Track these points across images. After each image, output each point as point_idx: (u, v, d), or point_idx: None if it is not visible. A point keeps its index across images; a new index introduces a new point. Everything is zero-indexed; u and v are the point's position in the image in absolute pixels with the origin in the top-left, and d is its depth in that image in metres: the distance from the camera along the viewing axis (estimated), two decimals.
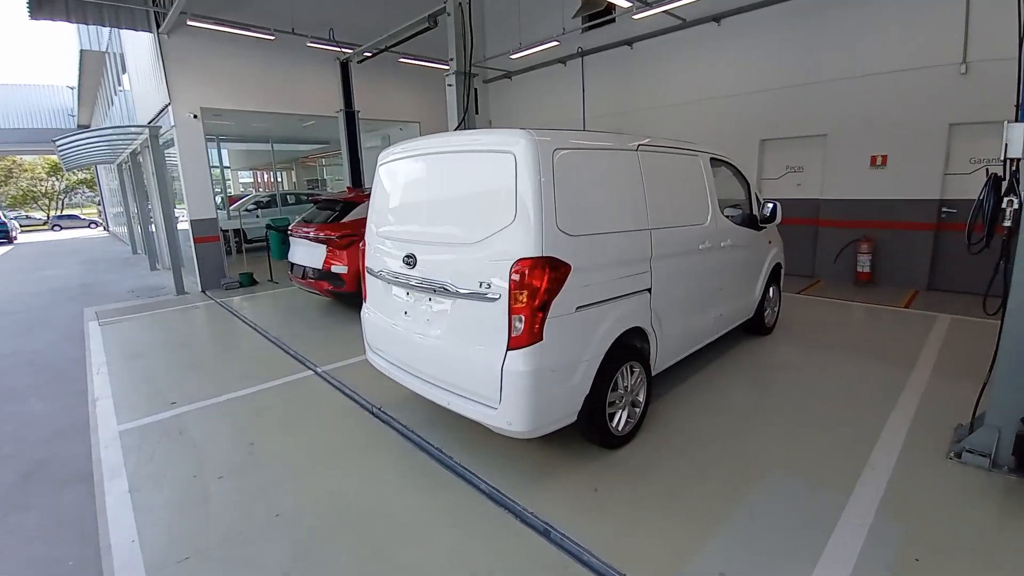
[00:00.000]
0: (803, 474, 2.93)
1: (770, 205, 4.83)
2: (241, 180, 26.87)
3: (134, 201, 12.93)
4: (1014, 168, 2.79)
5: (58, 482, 3.20)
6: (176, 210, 9.09)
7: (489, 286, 2.57)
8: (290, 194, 14.86)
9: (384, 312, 3.44)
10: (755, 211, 4.77)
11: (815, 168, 8.33)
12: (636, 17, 8.14)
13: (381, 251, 3.41)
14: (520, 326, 2.49)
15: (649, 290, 3.23)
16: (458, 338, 2.77)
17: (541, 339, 2.52)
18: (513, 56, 10.21)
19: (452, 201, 2.83)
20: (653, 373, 3.44)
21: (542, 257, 2.47)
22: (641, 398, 3.32)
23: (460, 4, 5.64)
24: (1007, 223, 2.79)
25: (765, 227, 4.90)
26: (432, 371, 3.01)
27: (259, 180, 27.27)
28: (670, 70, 9.65)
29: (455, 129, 6.17)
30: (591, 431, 3.01)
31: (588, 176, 2.81)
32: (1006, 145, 2.77)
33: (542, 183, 2.47)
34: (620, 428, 3.17)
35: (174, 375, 4.90)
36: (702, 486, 2.84)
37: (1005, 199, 2.78)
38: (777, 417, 3.65)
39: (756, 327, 5.23)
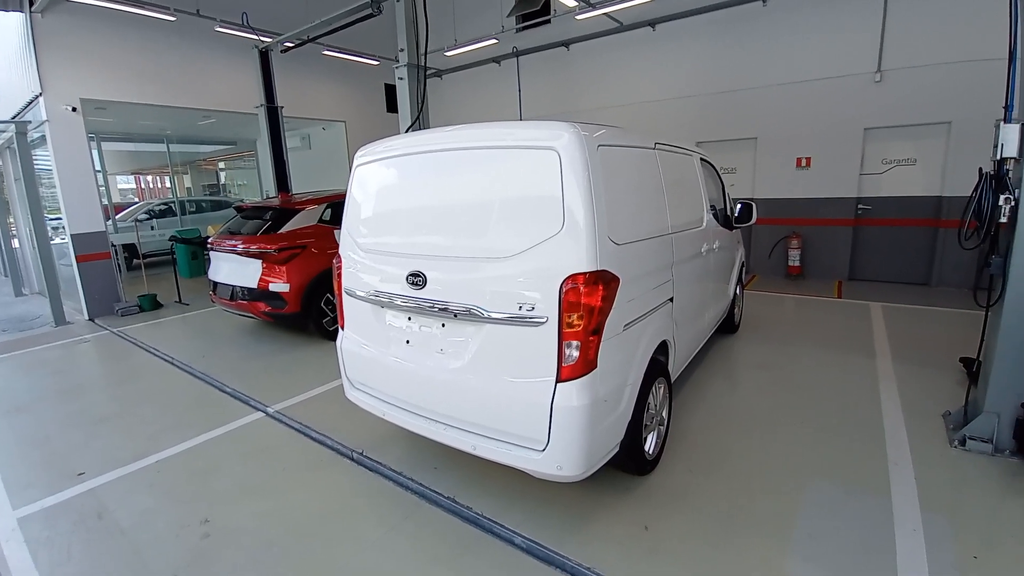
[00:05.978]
0: (839, 480, 2.87)
1: (739, 205, 4.87)
2: (120, 186, 23.40)
3: None
4: (1008, 167, 2.92)
5: None
6: (48, 222, 7.47)
7: (532, 308, 2.16)
8: (191, 201, 13.05)
9: (373, 341, 2.88)
10: (728, 211, 4.79)
11: (747, 169, 8.78)
12: (579, 18, 8.06)
13: (366, 268, 2.85)
14: (575, 353, 2.11)
15: (671, 299, 3.01)
16: (488, 370, 2.33)
17: (596, 366, 2.17)
18: (448, 53, 9.73)
19: (475, 207, 2.36)
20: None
21: (596, 271, 2.12)
22: (665, 415, 3.09)
23: None
24: (1003, 219, 2.92)
25: (737, 227, 4.94)
26: (447, 410, 2.53)
27: (145, 186, 23.90)
28: (607, 73, 9.73)
29: (408, 128, 5.60)
30: (628, 459, 2.71)
31: (624, 175, 2.51)
32: (1001, 145, 2.89)
33: (592, 184, 2.11)
34: (651, 451, 2.91)
35: (75, 434, 3.86)
36: (753, 507, 2.65)
37: (1002, 196, 2.89)
38: (784, 419, 3.60)
39: (726, 325, 5.29)
